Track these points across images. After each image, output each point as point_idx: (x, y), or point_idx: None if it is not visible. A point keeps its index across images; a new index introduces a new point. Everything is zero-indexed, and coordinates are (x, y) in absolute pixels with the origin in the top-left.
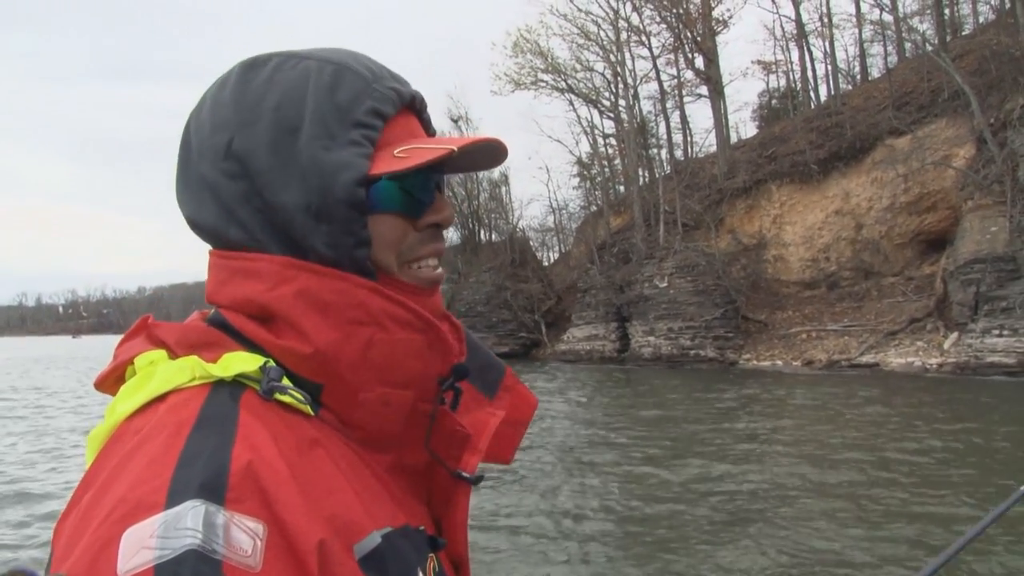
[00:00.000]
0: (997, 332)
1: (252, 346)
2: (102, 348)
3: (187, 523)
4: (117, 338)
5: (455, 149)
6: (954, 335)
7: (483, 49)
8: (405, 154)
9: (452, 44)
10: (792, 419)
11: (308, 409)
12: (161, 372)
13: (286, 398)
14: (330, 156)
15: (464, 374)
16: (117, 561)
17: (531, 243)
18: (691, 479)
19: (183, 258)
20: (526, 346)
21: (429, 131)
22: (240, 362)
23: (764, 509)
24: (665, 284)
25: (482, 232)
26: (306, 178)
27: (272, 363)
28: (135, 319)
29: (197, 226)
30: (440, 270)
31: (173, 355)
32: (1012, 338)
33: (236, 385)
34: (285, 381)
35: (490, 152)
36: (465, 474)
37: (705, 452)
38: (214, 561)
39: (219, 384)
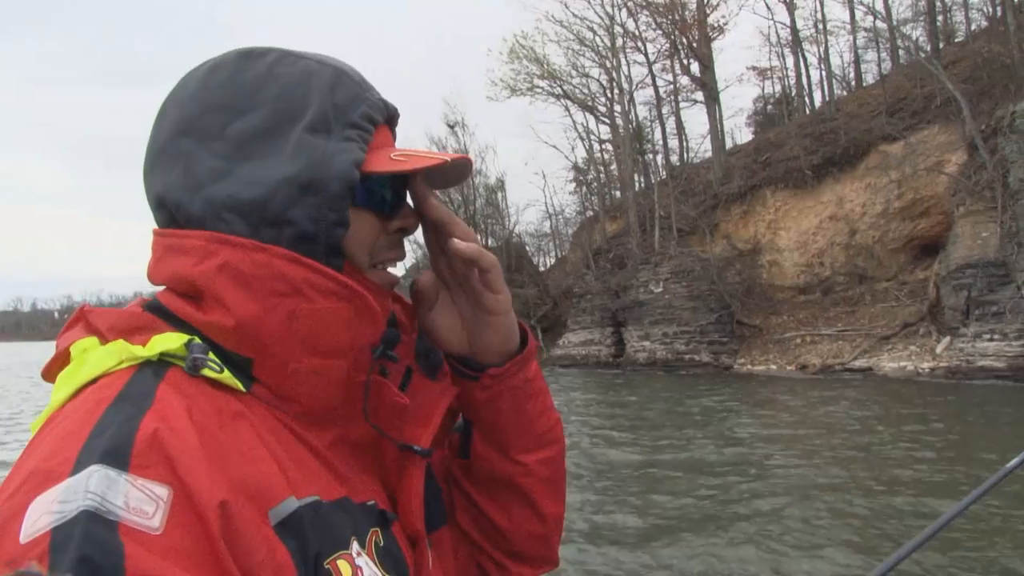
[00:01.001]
0: (988, 336)
1: (183, 326)
2: None
3: (86, 487)
4: None
5: (448, 160)
6: (946, 339)
7: (479, 55)
8: (403, 158)
9: (447, 50)
10: (782, 422)
11: (236, 383)
12: (91, 358)
13: (208, 372)
14: (327, 143)
15: (395, 341)
16: (21, 529)
17: (527, 248)
18: (682, 479)
19: None
20: None
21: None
22: (165, 341)
23: (752, 508)
24: (660, 289)
25: (478, 237)
26: (297, 156)
27: (197, 340)
28: None
29: (160, 201)
30: (396, 275)
31: (104, 341)
32: (1002, 342)
33: (162, 365)
34: (211, 357)
35: (459, 169)
36: (416, 447)
37: (694, 454)
38: (109, 522)
39: (145, 364)
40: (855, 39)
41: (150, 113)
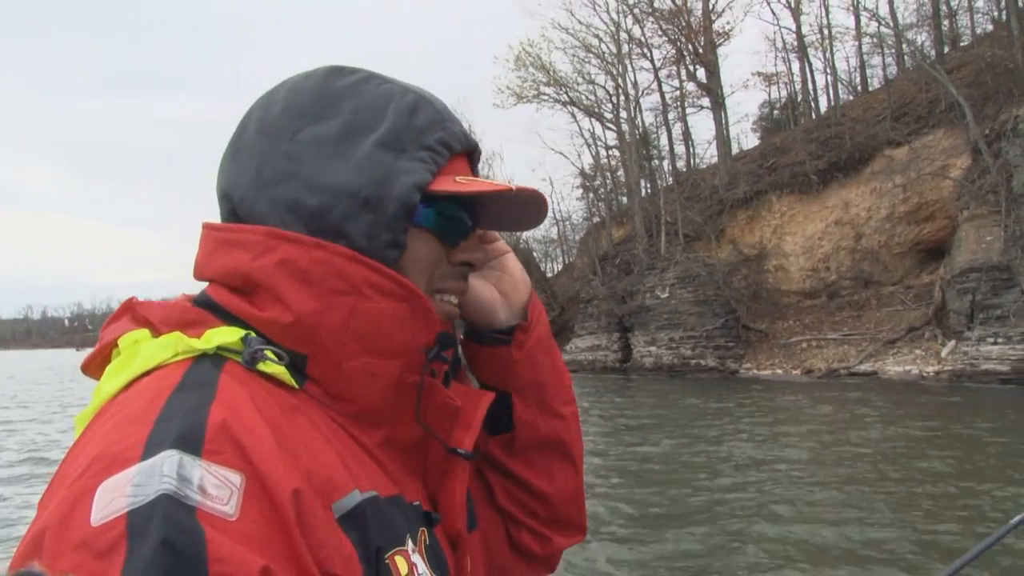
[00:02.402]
0: (992, 340)
1: (236, 321)
2: None
3: (162, 471)
4: None
5: (513, 188)
6: (951, 343)
7: (486, 62)
8: (465, 180)
9: (454, 58)
10: (786, 425)
11: (291, 380)
12: (145, 350)
13: (267, 367)
14: (396, 162)
15: (450, 343)
16: (91, 511)
17: (535, 254)
18: (686, 480)
19: (188, 270)
20: None
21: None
22: (222, 335)
23: (755, 509)
24: (666, 295)
25: None
26: (363, 170)
27: (254, 335)
28: None
29: (227, 195)
30: (455, 308)
31: (157, 333)
32: (1006, 346)
33: (219, 357)
34: (268, 351)
35: (533, 209)
36: (460, 450)
37: (698, 457)
38: (187, 507)
39: (202, 357)
40: (860, 44)
41: (158, 121)
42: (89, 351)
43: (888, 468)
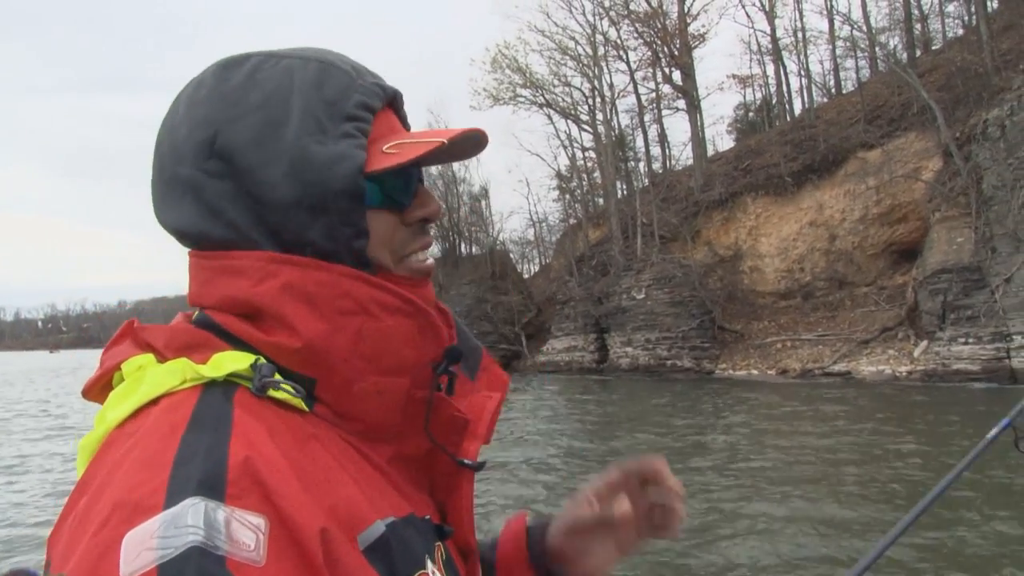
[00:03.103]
0: (963, 340)
1: (241, 345)
2: (79, 361)
3: (188, 521)
4: (96, 352)
5: (444, 142)
6: (924, 343)
7: (462, 65)
8: (395, 149)
9: (431, 60)
10: (757, 424)
11: (302, 404)
12: (151, 376)
13: (279, 394)
14: (324, 149)
15: (458, 356)
16: (119, 565)
17: (511, 256)
18: None
19: (164, 272)
20: (506, 358)
21: (406, 127)
22: (231, 361)
23: (728, 508)
24: (642, 296)
25: (462, 245)
26: (297, 173)
27: (263, 360)
28: (115, 333)
29: (181, 233)
30: (431, 260)
31: (162, 358)
32: (977, 346)
33: (228, 385)
34: (277, 377)
35: (472, 140)
36: (467, 461)
37: (671, 456)
38: (218, 557)
39: (211, 385)
40: (834, 48)
41: (130, 121)
42: (63, 353)
43: (848, 464)
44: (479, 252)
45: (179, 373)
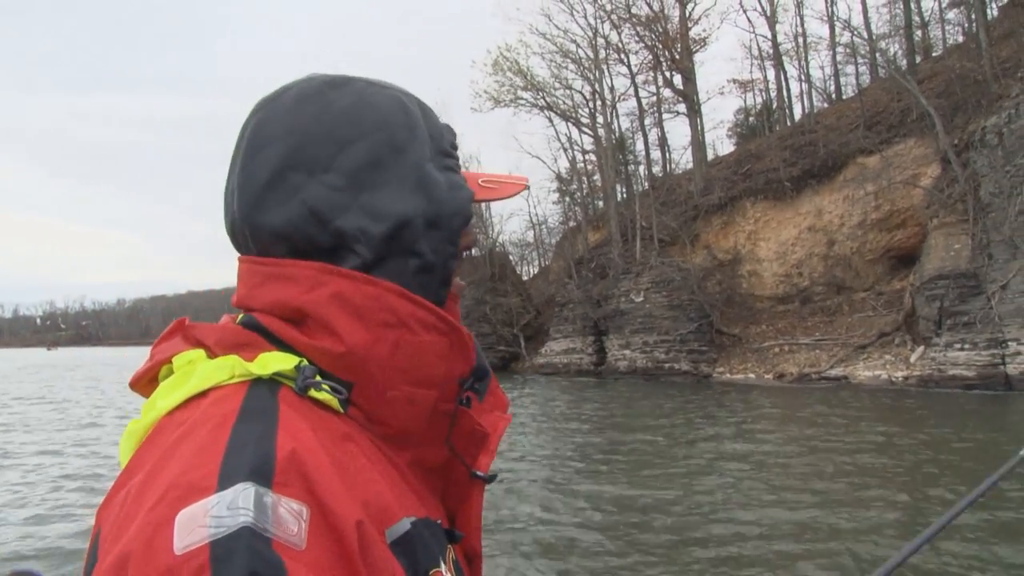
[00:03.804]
0: (959, 346)
1: (284, 347)
2: (77, 359)
3: (239, 503)
4: (94, 350)
5: (528, 186)
6: (920, 349)
7: (463, 67)
8: (493, 184)
9: (432, 62)
10: (752, 427)
11: (338, 406)
12: (201, 370)
13: (320, 395)
14: (440, 176)
15: (484, 375)
16: (173, 539)
17: (511, 258)
18: (652, 484)
19: (162, 270)
20: (505, 359)
21: None
22: (277, 361)
23: (722, 513)
24: (641, 299)
25: None
26: (424, 190)
27: (306, 362)
28: (114, 331)
29: (279, 234)
30: (461, 282)
31: (212, 355)
32: (972, 352)
33: (273, 383)
34: (319, 378)
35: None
36: (480, 473)
37: (664, 460)
38: (265, 538)
39: (257, 381)
40: (834, 53)
41: (128, 119)
42: (60, 350)
43: (844, 466)
44: (479, 254)
45: (228, 368)
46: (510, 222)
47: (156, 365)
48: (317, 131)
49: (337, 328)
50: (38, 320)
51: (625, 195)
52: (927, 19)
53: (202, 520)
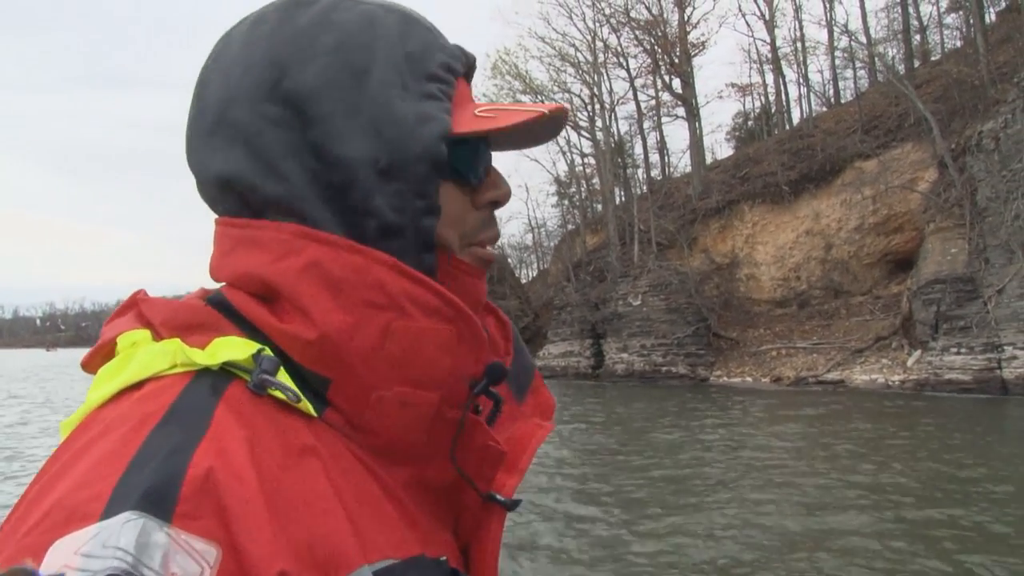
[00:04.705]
0: (955, 350)
1: (253, 330)
2: (76, 360)
3: (118, 540)
4: None
5: (547, 112)
6: (917, 353)
7: None
8: (490, 113)
9: None
10: (745, 429)
11: (309, 408)
12: (140, 356)
13: (278, 394)
14: (407, 106)
15: (501, 376)
16: None
17: (509, 260)
18: (651, 484)
19: (163, 271)
20: None
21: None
22: (231, 348)
23: (718, 514)
24: (639, 302)
25: None
26: (377, 129)
27: (268, 351)
28: None
29: (225, 182)
30: (493, 251)
31: (158, 336)
32: (968, 356)
33: (223, 375)
34: (281, 374)
35: (555, 120)
36: (500, 497)
37: (663, 461)
38: None
39: (203, 373)
40: (833, 58)
41: (130, 119)
42: (60, 352)
43: (840, 469)
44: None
45: (170, 355)
46: (509, 225)
47: (104, 345)
48: (262, 55)
49: (309, 307)
50: (38, 321)
51: (623, 198)
52: (925, 24)
53: (71, 559)
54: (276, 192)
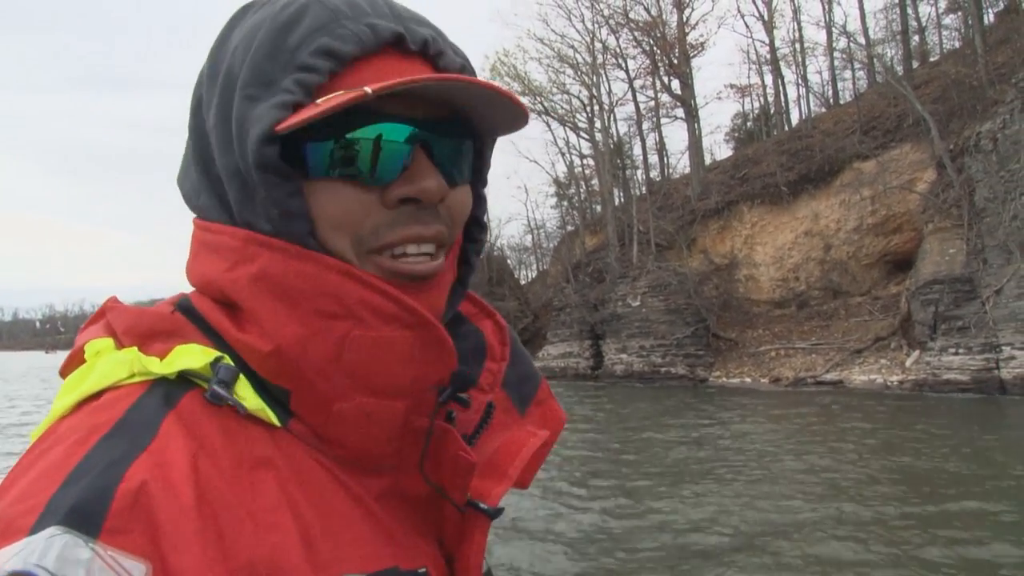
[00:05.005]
0: (953, 350)
1: (215, 336)
2: None
3: (39, 558)
4: None
5: (369, 91)
6: (915, 353)
7: None
8: (323, 102)
9: None
10: (748, 430)
11: (270, 417)
12: (100, 366)
13: (242, 403)
14: (252, 109)
15: (468, 382)
16: None
17: (509, 261)
18: (650, 485)
19: (162, 272)
20: None
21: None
22: (188, 357)
23: (716, 514)
24: (638, 303)
25: None
26: (237, 137)
27: (228, 360)
28: None
29: (181, 190)
30: (432, 262)
31: (119, 345)
32: (967, 356)
33: (181, 385)
34: (241, 383)
35: (498, 105)
36: (483, 505)
37: (661, 462)
38: None
39: (160, 383)
40: (832, 59)
41: (130, 121)
42: (59, 354)
43: (837, 469)
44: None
45: (128, 365)
46: (508, 226)
47: (76, 354)
48: (202, 71)
49: (263, 319)
50: (37, 323)
51: (623, 199)
52: (924, 24)
53: None
54: (206, 203)
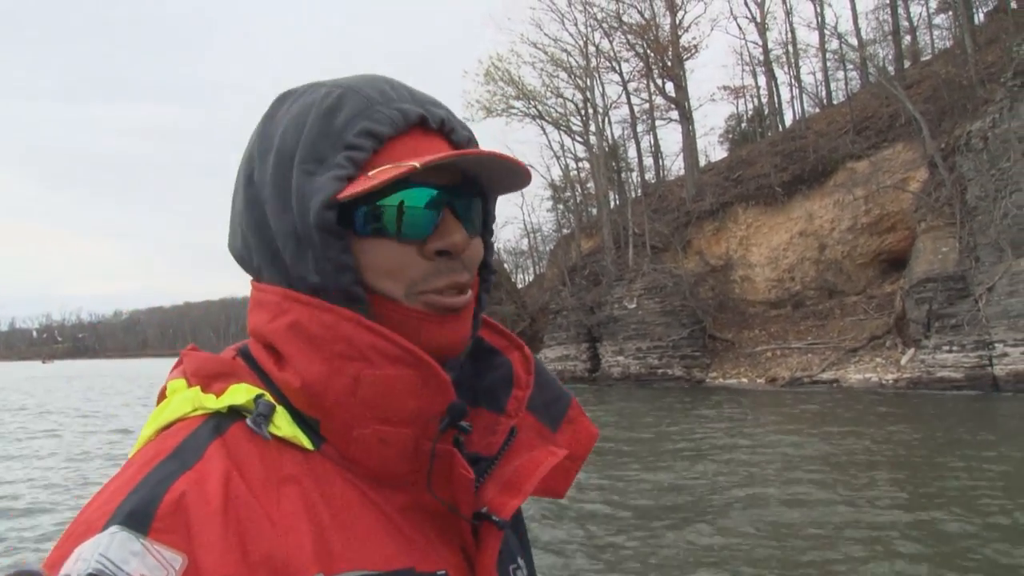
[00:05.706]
0: (947, 348)
1: (265, 378)
2: (76, 371)
3: (101, 548)
4: (90, 363)
5: (417, 166)
6: (910, 351)
7: (455, 76)
8: (376, 174)
9: (424, 71)
10: (745, 430)
11: (304, 442)
12: (173, 402)
13: (276, 430)
14: (311, 181)
15: (462, 413)
16: (61, 569)
17: (505, 265)
18: (649, 486)
19: (160, 281)
20: None
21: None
22: (238, 394)
23: (715, 514)
24: (634, 305)
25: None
26: (293, 204)
27: (268, 396)
28: (111, 344)
29: (235, 256)
30: (463, 297)
31: (189, 385)
32: (960, 353)
33: (231, 416)
34: (280, 415)
35: (505, 170)
36: (494, 517)
37: (659, 463)
38: None
39: (215, 415)
40: (824, 59)
41: (131, 129)
42: (56, 363)
43: (835, 469)
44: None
45: (191, 402)
46: (505, 230)
47: (161, 392)
48: (251, 149)
49: (294, 360)
50: (34, 333)
51: (618, 202)
52: (915, 24)
53: (76, 565)
54: (257, 264)
